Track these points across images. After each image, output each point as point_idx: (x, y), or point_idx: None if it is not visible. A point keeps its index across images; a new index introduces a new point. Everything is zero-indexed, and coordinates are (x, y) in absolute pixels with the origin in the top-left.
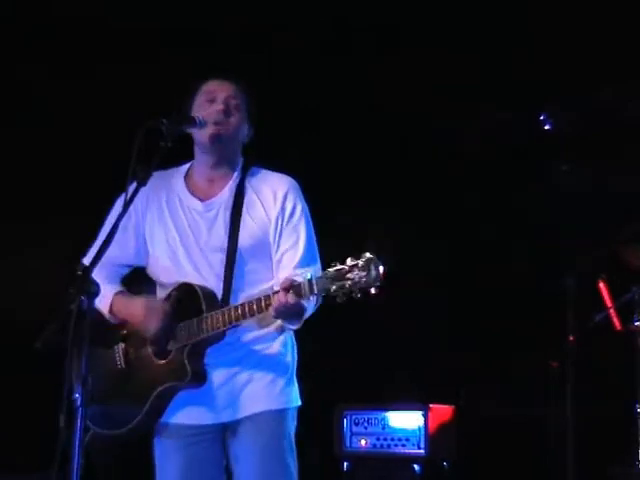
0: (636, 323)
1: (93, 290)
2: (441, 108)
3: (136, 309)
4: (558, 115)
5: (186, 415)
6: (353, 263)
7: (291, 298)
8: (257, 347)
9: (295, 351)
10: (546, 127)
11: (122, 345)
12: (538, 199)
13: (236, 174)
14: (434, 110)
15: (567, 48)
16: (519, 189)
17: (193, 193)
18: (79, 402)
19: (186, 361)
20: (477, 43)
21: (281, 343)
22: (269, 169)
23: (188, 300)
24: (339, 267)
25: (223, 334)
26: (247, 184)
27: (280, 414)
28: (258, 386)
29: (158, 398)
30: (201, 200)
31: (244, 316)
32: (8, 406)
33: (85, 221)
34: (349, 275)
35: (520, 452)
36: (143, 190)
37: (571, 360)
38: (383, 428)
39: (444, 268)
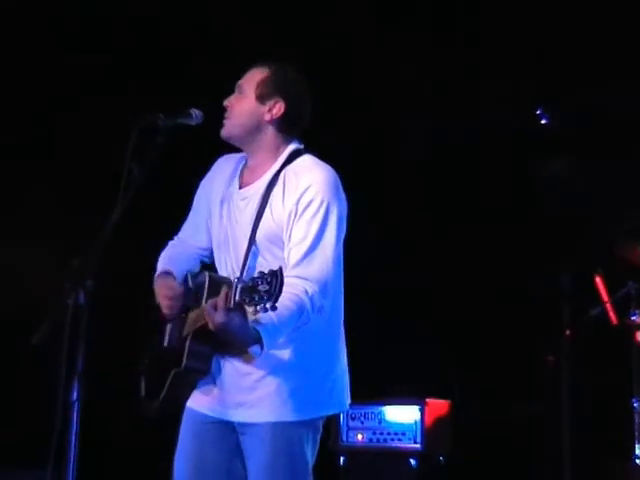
0: (632, 318)
1: (89, 285)
2: (439, 106)
3: (157, 288)
4: (555, 111)
5: (198, 401)
6: (260, 275)
7: (220, 302)
8: (272, 351)
9: (329, 358)
10: (542, 122)
11: (170, 325)
12: (534, 195)
13: (277, 162)
14: (433, 108)
15: (567, 48)
16: (516, 184)
17: (240, 179)
18: (75, 398)
19: (186, 350)
20: (476, 41)
21: (300, 348)
22: (321, 157)
23: (201, 288)
24: (252, 278)
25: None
26: (282, 174)
27: (283, 427)
28: (266, 392)
29: (174, 380)
30: (241, 186)
31: None
32: (5, 403)
33: (82, 217)
34: (260, 287)
35: (516, 447)
36: (214, 171)
37: (567, 355)
38: (379, 422)
39: (441, 265)
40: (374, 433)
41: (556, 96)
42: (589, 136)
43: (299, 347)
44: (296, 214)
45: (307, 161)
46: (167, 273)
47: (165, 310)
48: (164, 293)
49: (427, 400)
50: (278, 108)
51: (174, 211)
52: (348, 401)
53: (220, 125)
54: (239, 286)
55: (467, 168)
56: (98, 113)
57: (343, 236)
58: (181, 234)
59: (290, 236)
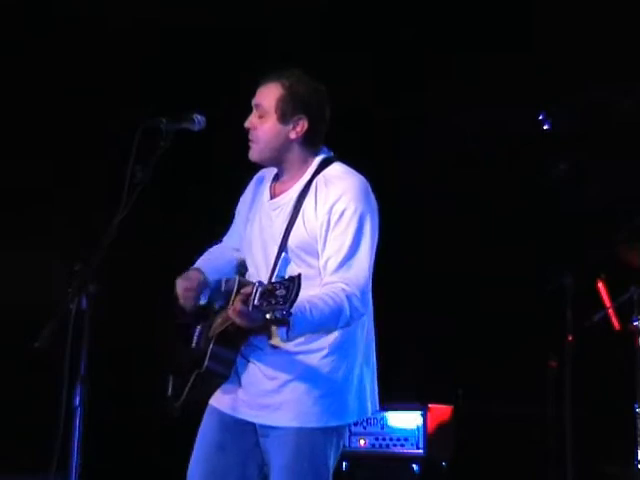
0: (635, 323)
1: (91, 289)
2: (439, 107)
3: (177, 281)
4: (557, 114)
5: (221, 400)
6: (280, 280)
7: (237, 303)
8: (300, 356)
9: (358, 366)
10: (545, 127)
11: (199, 327)
12: (536, 199)
13: (307, 173)
14: (433, 109)
15: (567, 47)
16: (518, 188)
17: (271, 190)
18: (78, 402)
19: (209, 352)
20: (477, 42)
21: (330, 354)
22: (351, 165)
23: (231, 292)
24: (271, 282)
25: (246, 331)
26: (313, 183)
27: (307, 432)
28: (291, 397)
29: (195, 382)
30: (272, 197)
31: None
32: (8, 407)
33: (85, 221)
34: (278, 292)
35: (518, 452)
36: (256, 182)
37: (570, 360)
38: (382, 428)
39: (442, 268)
40: (376, 438)
41: (557, 98)
42: (592, 138)
43: (329, 353)
44: (329, 224)
45: (337, 170)
46: (195, 268)
47: (180, 300)
48: (181, 283)
49: (429, 405)
50: (302, 125)
51: (178, 215)
52: (375, 407)
53: (247, 147)
54: (259, 289)
55: (467, 170)
56: (101, 114)
57: (376, 243)
58: (224, 241)
59: (325, 246)
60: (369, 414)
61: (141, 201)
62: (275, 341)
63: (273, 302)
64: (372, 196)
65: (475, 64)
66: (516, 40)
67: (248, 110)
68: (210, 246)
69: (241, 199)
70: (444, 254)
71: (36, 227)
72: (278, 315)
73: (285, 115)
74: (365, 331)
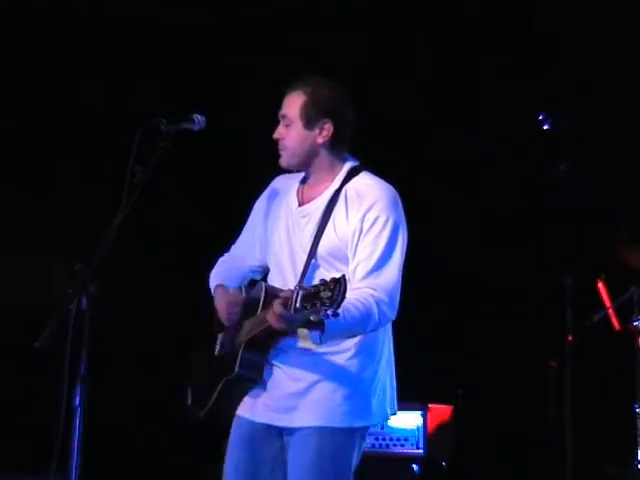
0: (635, 323)
1: (92, 290)
2: (440, 108)
3: (217, 300)
4: (557, 115)
5: (245, 408)
6: (322, 282)
7: (277, 307)
8: (327, 356)
9: (382, 369)
10: (545, 127)
11: (221, 335)
12: (536, 199)
13: (335, 180)
14: (433, 110)
15: (567, 47)
16: (518, 188)
17: (299, 197)
18: (78, 402)
19: (239, 358)
20: (477, 42)
21: (356, 355)
22: (379, 175)
23: (257, 298)
24: (314, 285)
25: (277, 336)
26: (343, 192)
27: (331, 432)
28: (317, 397)
29: (224, 388)
30: (300, 204)
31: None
32: (8, 408)
33: (85, 221)
34: (322, 294)
35: (518, 452)
36: (272, 190)
37: (570, 360)
38: (382, 428)
39: (442, 268)
40: (377, 439)
41: (557, 99)
42: (592, 139)
43: (355, 354)
44: (361, 231)
45: (367, 179)
46: (222, 286)
47: (226, 320)
48: (225, 302)
49: (429, 406)
50: (327, 129)
51: (178, 216)
52: (394, 411)
53: (277, 156)
54: (300, 292)
55: (467, 171)
56: (101, 114)
57: (405, 253)
58: (232, 251)
59: (356, 252)
60: (389, 417)
61: (141, 201)
62: (305, 344)
63: (318, 304)
64: (401, 205)
65: (475, 64)
66: (516, 40)
67: (248, 111)
68: (221, 254)
69: (255, 207)
70: (444, 254)
71: (36, 227)
72: (323, 316)
73: (310, 121)
74: (387, 336)
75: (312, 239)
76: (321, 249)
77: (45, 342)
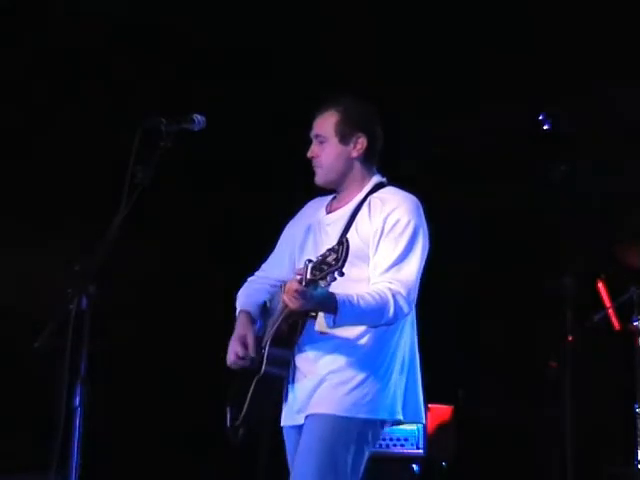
0: (635, 323)
1: (92, 290)
2: (440, 108)
3: (237, 326)
4: (557, 115)
5: (284, 417)
6: (328, 249)
7: (292, 284)
8: (340, 349)
9: (397, 369)
10: (545, 127)
11: None
12: (536, 199)
13: (362, 192)
14: (434, 110)
15: (567, 47)
16: (517, 189)
17: (328, 208)
18: (78, 403)
19: (265, 355)
20: (478, 42)
21: (359, 350)
22: (402, 188)
23: (278, 299)
24: (321, 254)
25: (299, 326)
26: (367, 202)
27: (332, 419)
28: (328, 386)
29: (255, 390)
30: (327, 213)
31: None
32: (8, 407)
33: (85, 221)
34: (329, 259)
35: (519, 452)
36: (304, 211)
37: (570, 360)
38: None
39: (442, 268)
40: None
41: (557, 99)
42: (591, 139)
43: (367, 351)
44: (382, 231)
45: (391, 189)
46: (247, 313)
47: (229, 361)
48: (236, 349)
49: (430, 405)
50: (362, 143)
51: (179, 216)
52: (416, 418)
53: (312, 174)
54: (309, 265)
55: (468, 171)
56: (102, 114)
57: (425, 257)
58: (261, 270)
59: (377, 250)
60: (399, 417)
61: (142, 201)
62: (321, 328)
63: (326, 268)
64: (424, 216)
65: (475, 64)
66: (516, 40)
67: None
68: (251, 274)
69: (289, 225)
70: (444, 254)
71: (36, 227)
72: (331, 279)
73: (345, 136)
74: (405, 340)
75: (336, 241)
76: None
77: (45, 342)
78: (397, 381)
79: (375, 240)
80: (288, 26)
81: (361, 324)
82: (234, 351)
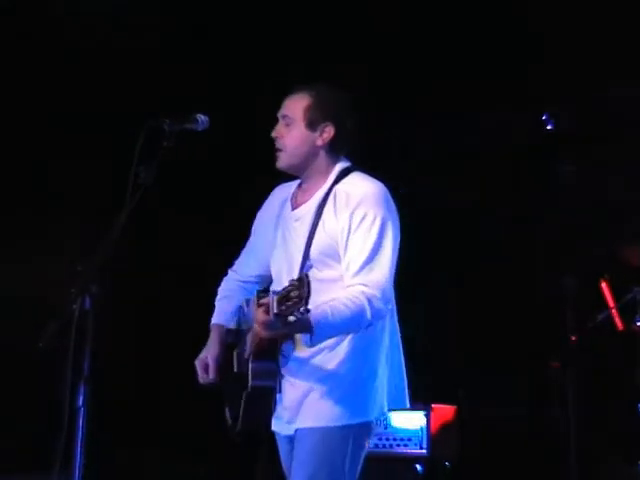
0: (638, 323)
1: (94, 290)
2: (443, 107)
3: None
4: (560, 115)
5: (276, 425)
6: (291, 282)
7: (259, 315)
8: (316, 360)
9: (377, 366)
10: (548, 127)
11: (236, 351)
12: (540, 199)
13: (327, 182)
14: (436, 110)
15: (571, 47)
16: (520, 189)
17: (293, 201)
18: (81, 403)
19: (250, 371)
20: (480, 42)
21: (348, 358)
22: (370, 173)
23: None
24: (284, 287)
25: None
26: (332, 193)
27: (323, 431)
28: (312, 402)
29: (247, 404)
30: (293, 208)
31: None
32: (11, 407)
33: (88, 221)
34: (292, 294)
35: (522, 452)
36: (270, 200)
37: (573, 360)
38: (385, 428)
39: (444, 268)
40: (380, 439)
41: (560, 100)
42: (593, 140)
43: (346, 359)
44: (350, 228)
45: (356, 178)
46: (218, 328)
47: (200, 379)
48: (199, 368)
49: (433, 406)
50: (328, 132)
51: (181, 217)
52: (402, 405)
53: (273, 157)
54: (274, 297)
55: (470, 171)
56: (105, 114)
57: (397, 248)
58: (236, 263)
59: (347, 250)
60: (386, 411)
61: (145, 201)
62: (299, 349)
63: (290, 304)
64: (392, 202)
65: (477, 64)
66: (519, 40)
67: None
68: (225, 272)
69: (258, 216)
70: (446, 254)
71: (40, 227)
72: (298, 315)
73: (312, 122)
74: (386, 333)
75: (305, 241)
76: (313, 250)
77: (48, 342)
78: (382, 375)
79: (343, 239)
80: None
81: (340, 335)
82: (198, 373)
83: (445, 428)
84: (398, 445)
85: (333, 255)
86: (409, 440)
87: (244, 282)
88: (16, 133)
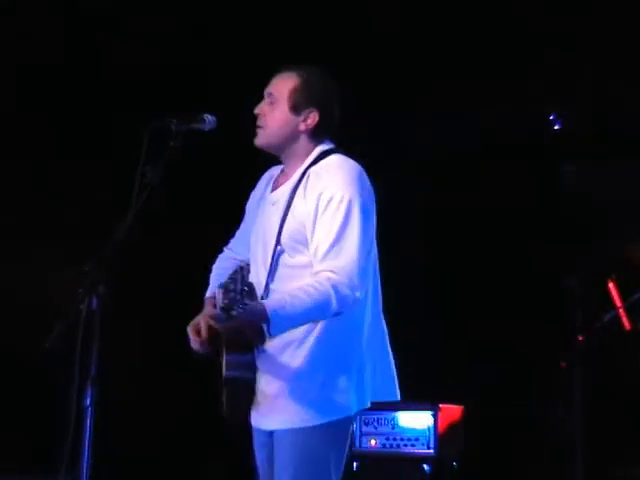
0: None
1: (101, 290)
2: (443, 107)
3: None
4: (567, 115)
5: (253, 417)
6: (232, 275)
7: (207, 309)
8: (286, 354)
9: (351, 359)
10: (556, 127)
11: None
12: (545, 199)
13: (304, 164)
14: (436, 110)
15: (571, 47)
16: (525, 189)
17: (274, 184)
18: (88, 403)
19: (224, 363)
20: (480, 42)
21: (311, 348)
22: (350, 155)
23: None
24: (225, 281)
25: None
26: (305, 176)
27: (302, 432)
28: (292, 397)
29: (228, 393)
30: (272, 191)
31: None
32: (18, 408)
33: (95, 221)
34: (230, 287)
35: (529, 452)
36: (260, 182)
37: (580, 360)
38: (393, 428)
39: (451, 269)
40: (387, 439)
41: (567, 100)
42: (602, 140)
43: (318, 349)
44: (317, 212)
45: (330, 160)
46: (212, 300)
47: (193, 348)
48: (191, 334)
49: (440, 406)
50: (312, 118)
51: (188, 215)
52: (393, 396)
53: (253, 133)
54: (220, 290)
55: (475, 171)
56: (110, 114)
57: (372, 230)
58: (232, 242)
59: (314, 234)
60: (369, 404)
61: (151, 201)
62: (268, 341)
63: (231, 297)
64: (365, 181)
65: (477, 63)
66: (519, 40)
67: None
68: (220, 249)
69: (250, 196)
70: (451, 255)
71: (46, 227)
72: (238, 309)
73: (297, 106)
74: (366, 322)
75: (278, 227)
76: (284, 235)
77: (55, 343)
78: (362, 367)
79: (310, 222)
80: None
81: (303, 324)
82: (190, 338)
83: (452, 428)
84: (405, 445)
85: (302, 240)
86: (416, 440)
87: (240, 260)
88: (16, 133)
